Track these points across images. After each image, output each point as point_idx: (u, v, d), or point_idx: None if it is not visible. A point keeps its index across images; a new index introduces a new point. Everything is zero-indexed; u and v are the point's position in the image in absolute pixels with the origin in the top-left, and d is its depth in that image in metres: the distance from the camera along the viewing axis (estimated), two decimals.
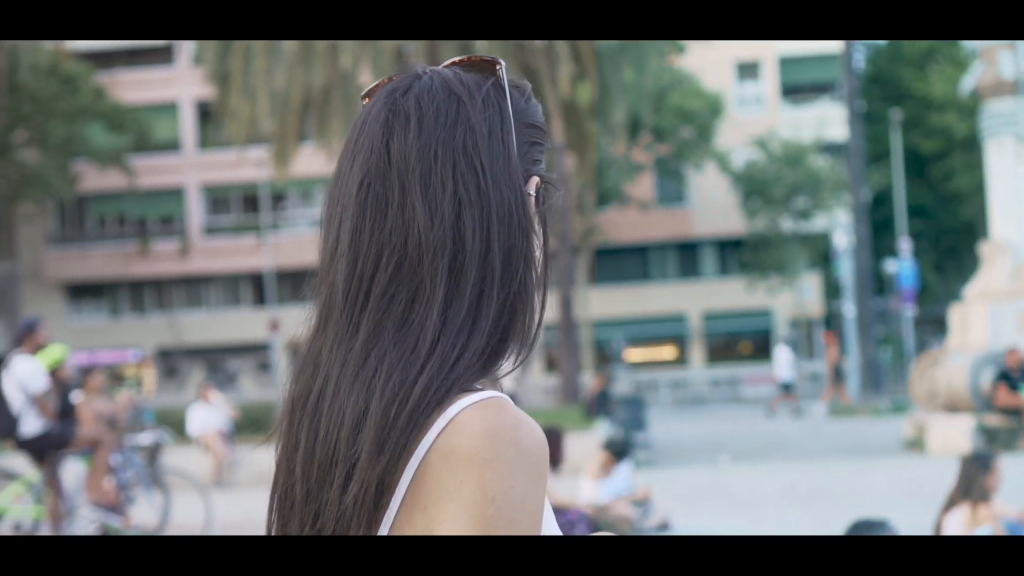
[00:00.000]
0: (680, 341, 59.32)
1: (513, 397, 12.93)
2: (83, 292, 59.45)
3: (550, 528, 1.64)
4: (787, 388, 37.03)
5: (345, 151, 1.72)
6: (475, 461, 1.52)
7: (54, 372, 13.45)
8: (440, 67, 1.74)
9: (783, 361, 37.15)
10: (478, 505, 1.51)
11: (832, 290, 57.41)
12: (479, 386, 1.61)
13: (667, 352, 59.43)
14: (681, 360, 59.08)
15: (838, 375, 38.07)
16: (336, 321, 1.67)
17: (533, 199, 1.70)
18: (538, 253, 1.70)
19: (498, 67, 1.72)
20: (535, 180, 1.71)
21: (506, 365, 1.68)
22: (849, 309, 42.70)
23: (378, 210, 1.65)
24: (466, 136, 1.65)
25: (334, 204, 1.70)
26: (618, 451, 14.15)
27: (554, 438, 14.07)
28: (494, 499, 1.50)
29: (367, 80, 25.34)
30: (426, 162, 1.64)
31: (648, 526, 13.61)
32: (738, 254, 56.92)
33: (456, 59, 1.75)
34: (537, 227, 1.70)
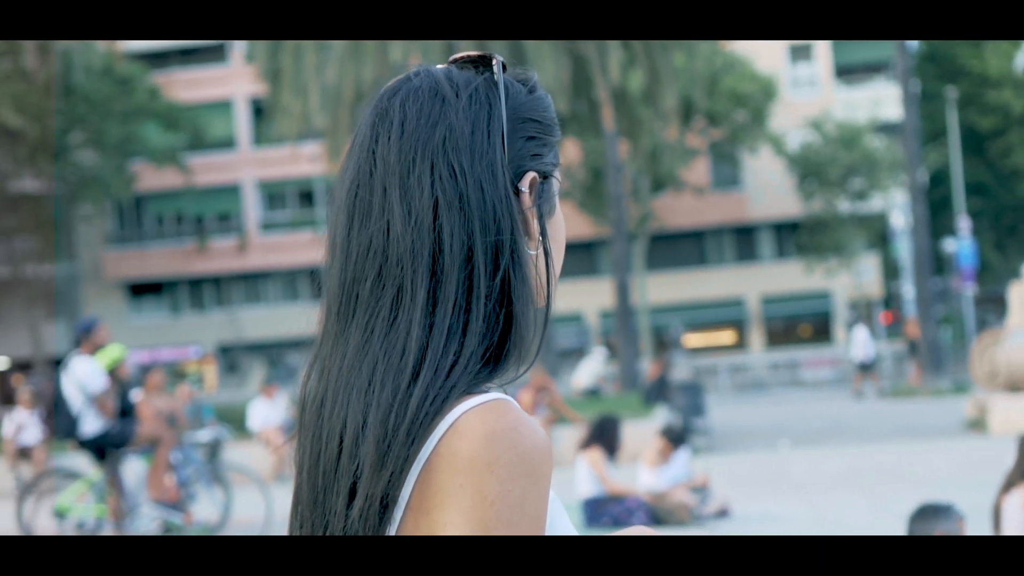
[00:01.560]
0: (739, 325, 59.08)
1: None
2: (143, 291, 59.96)
3: (560, 528, 1.64)
4: (865, 368, 36.58)
5: (345, 155, 1.73)
6: (475, 465, 1.52)
7: (112, 372, 13.59)
8: (436, 65, 1.73)
9: (861, 341, 36.73)
10: (477, 508, 1.51)
11: (891, 271, 57.01)
12: (486, 388, 1.60)
13: (726, 337, 59.21)
14: (740, 344, 58.85)
15: (914, 352, 37.71)
16: (332, 325, 1.68)
17: (527, 195, 1.67)
18: (536, 250, 1.68)
19: (494, 62, 1.71)
20: (530, 176, 1.68)
21: (513, 368, 1.66)
22: (908, 290, 42.40)
23: (364, 213, 1.66)
24: (446, 136, 1.64)
25: (332, 208, 1.72)
26: (675, 438, 14.13)
27: (611, 426, 14.05)
28: (493, 502, 1.51)
29: None
30: (404, 164, 1.64)
31: (707, 512, 13.58)
32: (795, 237, 56.61)
33: (456, 56, 1.74)
34: (534, 223, 1.68)
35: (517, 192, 1.67)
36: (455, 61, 1.74)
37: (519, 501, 1.52)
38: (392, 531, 1.57)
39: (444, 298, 1.60)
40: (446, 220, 1.61)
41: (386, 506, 1.57)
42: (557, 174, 1.75)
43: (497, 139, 1.66)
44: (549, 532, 1.61)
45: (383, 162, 1.66)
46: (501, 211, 1.63)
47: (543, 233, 1.69)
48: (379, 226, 1.64)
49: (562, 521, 1.66)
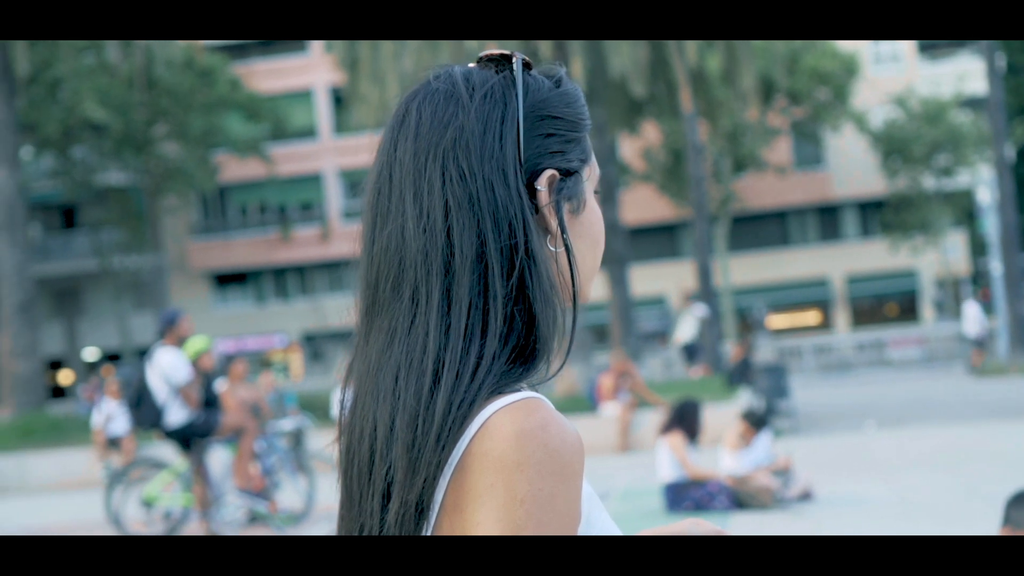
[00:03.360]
0: (823, 306, 58.63)
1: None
2: (228, 280, 60.57)
3: (597, 524, 1.64)
4: (979, 345, 36.00)
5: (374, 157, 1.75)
6: (504, 464, 1.52)
7: (196, 362, 13.73)
8: (459, 66, 1.74)
9: (973, 317, 36.16)
10: (507, 508, 1.51)
11: (978, 247, 56.28)
12: (517, 387, 1.60)
13: (811, 317, 58.78)
14: (825, 325, 58.40)
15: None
16: (363, 326, 1.70)
17: (544, 193, 1.67)
18: (556, 248, 1.67)
19: (514, 60, 1.71)
20: (548, 173, 1.67)
21: (544, 367, 1.65)
22: (996, 266, 41.79)
23: (384, 215, 1.68)
24: (456, 137, 1.65)
25: (362, 209, 1.74)
26: (756, 421, 14.03)
27: (691, 410, 13.98)
28: (523, 501, 1.51)
29: None
30: (417, 167, 1.66)
31: (790, 495, 13.49)
32: (880, 215, 56.07)
33: (481, 55, 1.74)
34: (553, 221, 1.67)
35: (534, 191, 1.67)
36: (480, 60, 1.74)
37: (549, 499, 1.52)
38: (427, 532, 1.58)
39: (458, 300, 1.61)
40: (456, 222, 1.62)
41: (422, 511, 1.58)
42: (587, 169, 1.73)
43: (510, 138, 1.66)
44: (585, 528, 1.61)
45: (400, 165, 1.68)
46: (513, 211, 1.63)
47: (562, 230, 1.67)
48: (396, 228, 1.66)
49: (600, 517, 1.65)
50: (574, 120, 1.72)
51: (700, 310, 32.99)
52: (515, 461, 1.52)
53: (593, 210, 1.74)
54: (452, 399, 1.57)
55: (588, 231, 1.73)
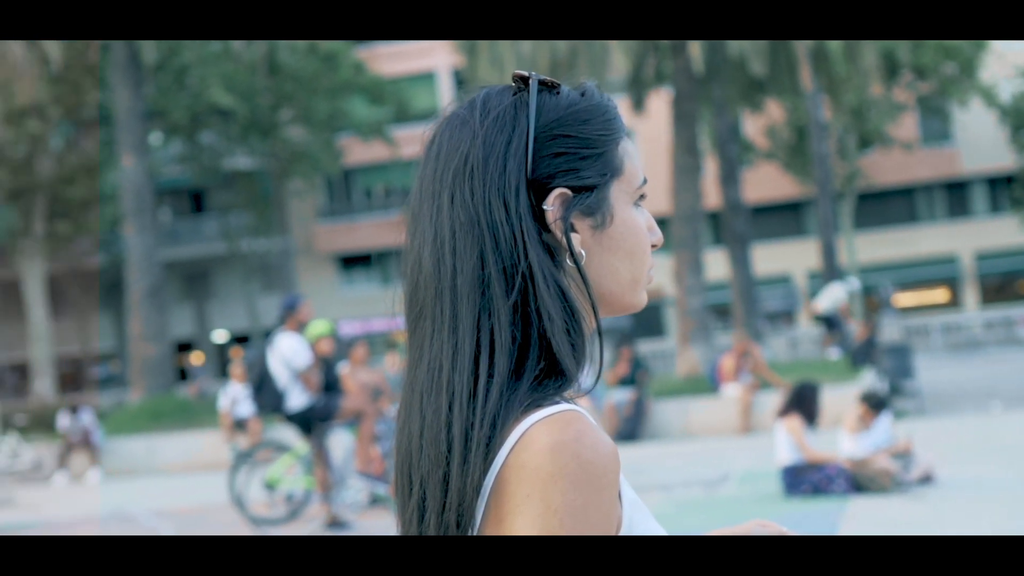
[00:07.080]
0: (952, 283, 57.60)
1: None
2: (354, 262, 61.13)
3: (639, 530, 1.68)
4: None
5: None
6: (539, 476, 1.58)
7: (314, 346, 13.89)
8: (487, 88, 1.79)
9: None
10: (542, 518, 1.57)
11: None
12: (555, 400, 1.65)
13: (939, 295, 57.79)
14: (954, 303, 57.39)
15: None
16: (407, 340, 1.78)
17: (551, 212, 1.71)
18: (568, 263, 1.71)
19: (530, 81, 1.75)
20: (556, 192, 1.71)
21: (576, 380, 1.70)
22: None
23: (411, 236, 1.77)
24: (463, 162, 1.71)
25: None
26: (876, 403, 13.89)
27: (809, 393, 13.87)
28: (557, 511, 1.56)
29: (610, 43, 25.27)
30: (434, 191, 1.74)
31: (910, 479, 13.33)
32: (1010, 190, 54.92)
33: (514, 73, 1.78)
34: (562, 238, 1.71)
35: (541, 211, 1.71)
36: (513, 78, 1.79)
37: (582, 510, 1.57)
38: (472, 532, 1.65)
39: (464, 320, 1.67)
40: (460, 244, 1.69)
41: (466, 527, 1.63)
42: (616, 183, 1.76)
43: (514, 161, 1.71)
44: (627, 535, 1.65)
45: (423, 190, 1.77)
46: (513, 232, 1.68)
47: (569, 247, 1.70)
48: (416, 250, 1.75)
49: (643, 521, 1.70)
50: (589, 137, 1.75)
51: (842, 288, 31.99)
52: (550, 473, 1.57)
53: (625, 221, 1.76)
54: (470, 420, 1.63)
55: (621, 244, 1.75)
